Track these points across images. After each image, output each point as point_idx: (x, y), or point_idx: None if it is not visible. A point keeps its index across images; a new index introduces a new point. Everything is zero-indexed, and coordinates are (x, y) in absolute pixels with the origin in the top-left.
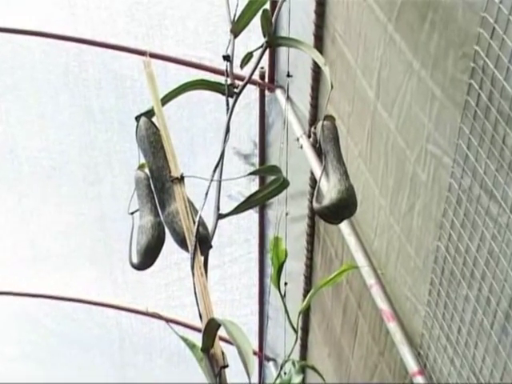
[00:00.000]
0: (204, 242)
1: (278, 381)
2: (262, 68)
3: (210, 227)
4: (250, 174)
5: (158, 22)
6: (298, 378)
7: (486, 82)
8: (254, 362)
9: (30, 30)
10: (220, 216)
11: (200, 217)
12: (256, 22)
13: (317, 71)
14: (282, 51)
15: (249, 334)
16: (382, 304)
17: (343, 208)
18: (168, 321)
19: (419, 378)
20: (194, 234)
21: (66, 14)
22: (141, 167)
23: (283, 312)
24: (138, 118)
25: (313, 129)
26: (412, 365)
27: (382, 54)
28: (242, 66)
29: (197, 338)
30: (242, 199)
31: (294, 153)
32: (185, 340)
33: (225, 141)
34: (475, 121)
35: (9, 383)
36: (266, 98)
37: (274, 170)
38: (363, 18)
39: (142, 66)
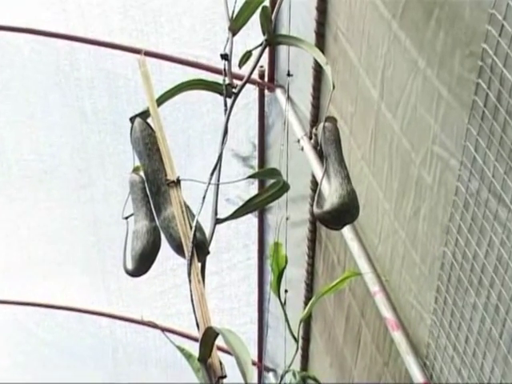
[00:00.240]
0: (201, 248)
1: None
2: (262, 67)
3: (207, 232)
4: (249, 177)
5: (153, 18)
6: None
7: (494, 82)
8: (253, 372)
9: (18, 26)
10: (218, 221)
11: (197, 221)
12: (255, 19)
13: (318, 70)
14: (282, 49)
15: (248, 344)
16: (387, 312)
17: (345, 213)
18: (164, 330)
19: None
20: (191, 240)
21: (57, 9)
22: (135, 170)
23: (283, 320)
24: (132, 119)
25: (314, 130)
26: (418, 376)
27: (386, 53)
28: (240, 65)
29: (194, 348)
30: (241, 203)
31: (294, 155)
32: (181, 350)
33: (223, 142)
34: (483, 122)
35: None
36: (266, 98)
37: (274, 172)
38: (366, 14)
39: (136, 64)
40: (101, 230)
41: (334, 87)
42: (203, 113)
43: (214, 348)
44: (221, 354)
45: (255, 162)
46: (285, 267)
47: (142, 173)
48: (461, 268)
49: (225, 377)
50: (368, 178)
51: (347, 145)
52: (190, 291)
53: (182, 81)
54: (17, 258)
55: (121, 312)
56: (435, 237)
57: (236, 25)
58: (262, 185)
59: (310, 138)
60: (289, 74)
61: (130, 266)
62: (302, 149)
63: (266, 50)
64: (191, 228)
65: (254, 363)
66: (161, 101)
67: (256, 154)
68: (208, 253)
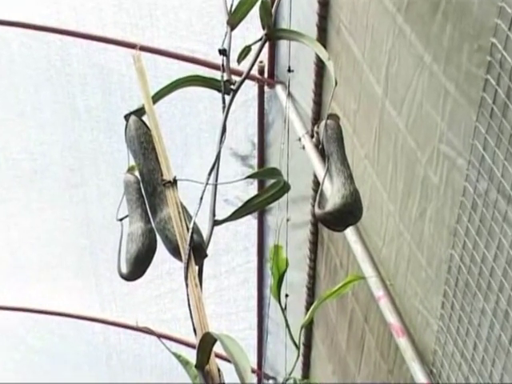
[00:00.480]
0: (198, 251)
1: None
2: (261, 62)
3: (204, 234)
4: (248, 177)
5: (148, 12)
6: None
7: (503, 77)
8: (253, 380)
9: (7, 19)
10: (216, 222)
11: (194, 223)
12: (254, 12)
13: (320, 66)
14: (283, 44)
15: (247, 350)
16: (391, 318)
17: (347, 214)
18: (159, 336)
19: None
20: (188, 242)
21: (48, 2)
22: (130, 170)
23: (284, 326)
24: (127, 117)
25: (315, 128)
26: None
27: (390, 48)
28: (239, 61)
29: (190, 355)
30: (240, 204)
31: (295, 154)
32: (178, 357)
33: (221, 141)
34: (492, 119)
35: None
36: (266, 95)
37: (274, 172)
38: (370, 8)
39: (130, 59)
40: (94, 232)
41: (336, 83)
42: (200, 110)
43: (212, 354)
44: (219, 361)
45: (254, 162)
46: (285, 271)
47: (137, 172)
48: (469, 271)
49: None
50: (372, 177)
51: (350, 143)
52: (187, 295)
53: (178, 77)
54: (6, 260)
55: (115, 317)
56: (442, 239)
57: (234, 18)
58: (261, 185)
59: (312, 137)
60: (289, 70)
61: (124, 269)
62: (304, 147)
63: (266, 44)
64: (188, 230)
65: (253, 371)
66: (156, 98)
67: (255, 152)
68: (206, 256)
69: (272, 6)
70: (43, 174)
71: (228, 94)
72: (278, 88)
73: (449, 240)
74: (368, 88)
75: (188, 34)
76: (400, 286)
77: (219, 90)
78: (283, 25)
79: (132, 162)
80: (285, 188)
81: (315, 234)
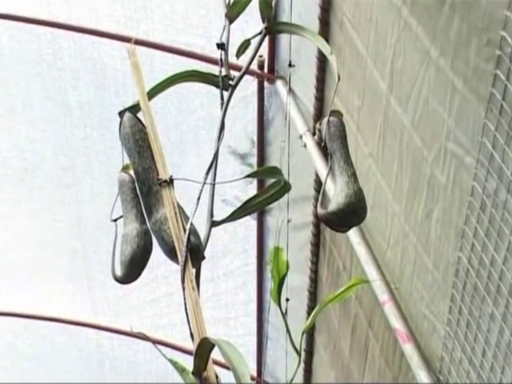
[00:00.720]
0: (196, 253)
1: None
2: (261, 57)
3: (202, 236)
4: (248, 176)
5: (142, 3)
6: None
7: None
8: None
9: None
10: (214, 223)
11: (191, 224)
12: (254, 4)
13: (322, 60)
14: (284, 38)
15: (246, 357)
16: (397, 323)
17: (351, 214)
18: (155, 342)
19: None
20: (185, 244)
21: None
22: (125, 168)
23: (284, 332)
24: (121, 114)
25: (317, 125)
26: None
27: (395, 41)
28: (238, 55)
29: (187, 361)
30: (239, 204)
31: (296, 152)
32: (174, 363)
33: (219, 139)
34: (501, 116)
35: None
36: (266, 91)
37: (274, 171)
38: (375, 0)
39: (125, 54)
40: (86, 234)
41: (339, 79)
42: (197, 106)
43: (210, 361)
44: (216, 368)
45: (254, 160)
46: (286, 274)
47: (131, 171)
48: (477, 275)
49: None
50: (376, 176)
51: (354, 141)
52: (184, 299)
53: (174, 72)
54: None
55: (108, 323)
56: (449, 241)
57: (233, 11)
58: (261, 184)
59: (314, 134)
60: (290, 65)
61: (118, 272)
62: (305, 145)
63: (266, 38)
64: (185, 231)
65: (252, 378)
66: (152, 93)
67: (255, 151)
68: (203, 258)
69: None
70: (34, 172)
71: (226, 90)
72: (279, 83)
73: (456, 242)
74: (372, 83)
75: (185, 27)
76: (405, 290)
77: (217, 86)
78: (284, 18)
79: (126, 161)
80: (285, 188)
81: (317, 235)
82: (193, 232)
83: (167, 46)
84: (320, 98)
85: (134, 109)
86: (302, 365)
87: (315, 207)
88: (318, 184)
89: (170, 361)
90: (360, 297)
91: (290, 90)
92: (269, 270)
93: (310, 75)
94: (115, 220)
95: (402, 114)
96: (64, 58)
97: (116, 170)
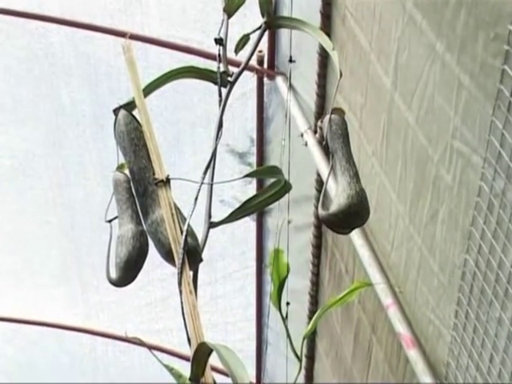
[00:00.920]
0: (193, 255)
1: None
2: (261, 52)
3: (200, 237)
4: (247, 175)
5: None
6: None
7: None
8: None
9: None
10: (212, 224)
11: (188, 225)
12: None
13: (324, 56)
14: (284, 33)
15: (245, 363)
16: (401, 328)
17: (353, 215)
18: (150, 347)
19: None
20: (182, 246)
21: None
22: (120, 168)
23: (285, 337)
24: (116, 111)
25: (319, 123)
26: None
27: (400, 36)
28: (236, 51)
29: (184, 367)
30: (237, 205)
31: (297, 151)
32: (170, 369)
33: (217, 137)
34: (510, 113)
35: None
36: (265, 87)
37: (274, 170)
38: None
39: (119, 49)
40: (79, 236)
41: (341, 75)
42: (195, 104)
43: (208, 366)
44: (215, 375)
45: (253, 159)
46: (286, 277)
47: (127, 171)
48: (484, 278)
49: None
50: (379, 176)
51: (356, 139)
52: (181, 303)
53: (171, 67)
54: None
55: (102, 328)
56: (455, 243)
57: (232, 5)
58: (260, 184)
59: (315, 132)
60: (291, 60)
61: (113, 274)
62: (306, 144)
63: (266, 33)
64: (182, 232)
65: None
66: (148, 90)
67: (254, 149)
68: (201, 260)
69: None
70: (24, 172)
71: (225, 87)
72: (279, 79)
73: (463, 244)
74: (375, 80)
75: (181, 21)
76: (410, 294)
77: (215, 82)
78: (284, 12)
79: (121, 160)
80: (286, 188)
81: (318, 237)
82: (190, 233)
83: (163, 40)
84: (321, 95)
85: (129, 106)
86: (303, 371)
87: (316, 208)
88: (320, 184)
89: (167, 367)
90: (363, 301)
91: (291, 87)
92: (268, 272)
93: (311, 71)
94: (110, 221)
95: (406, 111)
96: (56, 53)
97: (110, 169)
